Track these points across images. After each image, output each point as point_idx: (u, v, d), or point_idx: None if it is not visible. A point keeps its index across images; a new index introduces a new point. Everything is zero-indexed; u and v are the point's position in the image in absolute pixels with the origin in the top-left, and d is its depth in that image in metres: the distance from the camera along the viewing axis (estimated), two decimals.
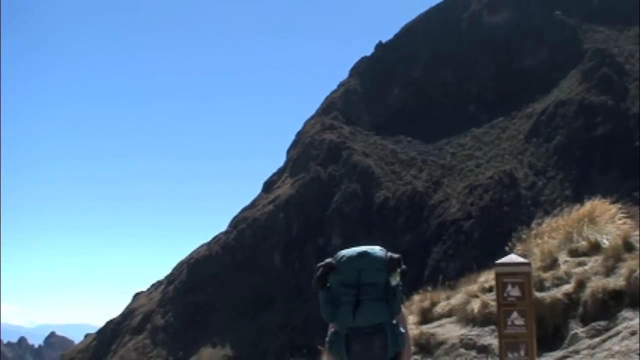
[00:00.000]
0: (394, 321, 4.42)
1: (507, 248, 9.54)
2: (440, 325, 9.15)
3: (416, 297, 10.25)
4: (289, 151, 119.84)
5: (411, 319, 7.22)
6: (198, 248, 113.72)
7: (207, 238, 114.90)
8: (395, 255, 4.55)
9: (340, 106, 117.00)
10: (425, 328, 9.06)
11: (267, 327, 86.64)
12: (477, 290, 9.50)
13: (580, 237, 9.17)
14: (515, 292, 5.83)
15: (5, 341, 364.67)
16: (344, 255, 4.53)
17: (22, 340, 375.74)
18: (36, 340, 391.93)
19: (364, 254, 4.50)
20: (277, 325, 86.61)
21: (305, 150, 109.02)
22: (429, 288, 10.43)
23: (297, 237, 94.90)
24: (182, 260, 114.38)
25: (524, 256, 6.97)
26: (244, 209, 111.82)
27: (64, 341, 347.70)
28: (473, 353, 8.23)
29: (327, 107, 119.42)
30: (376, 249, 4.54)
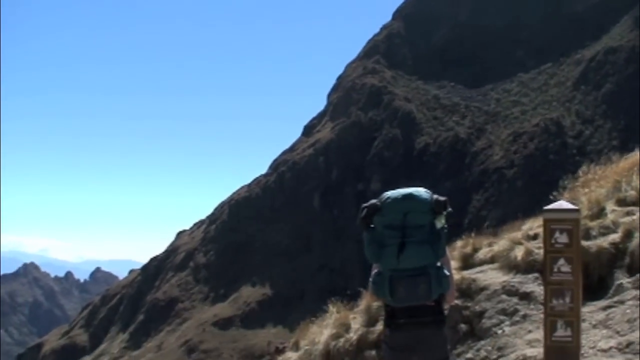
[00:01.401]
0: (439, 264, 4.35)
1: (552, 196, 9.34)
2: (481, 272, 9.06)
3: (458, 243, 10.15)
4: (329, 95, 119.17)
5: (452, 264, 7.12)
6: (239, 189, 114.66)
7: (248, 180, 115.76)
8: (442, 198, 4.48)
9: (382, 50, 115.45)
10: (466, 273, 8.98)
11: (306, 269, 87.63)
12: (521, 237, 9.36)
13: (629, 187, 8.94)
14: (563, 238, 5.70)
15: (52, 275, 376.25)
16: (389, 197, 4.46)
17: (68, 274, 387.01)
18: (82, 275, 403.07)
19: (410, 196, 4.43)
20: (315, 267, 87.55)
21: (346, 95, 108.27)
22: (472, 235, 10.32)
23: (337, 181, 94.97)
24: (223, 201, 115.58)
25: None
26: (284, 152, 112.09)
27: (109, 276, 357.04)
28: (515, 300, 8.15)
29: (369, 51, 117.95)
30: (421, 191, 4.46)
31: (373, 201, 4.46)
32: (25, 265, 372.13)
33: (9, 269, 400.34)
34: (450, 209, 4.41)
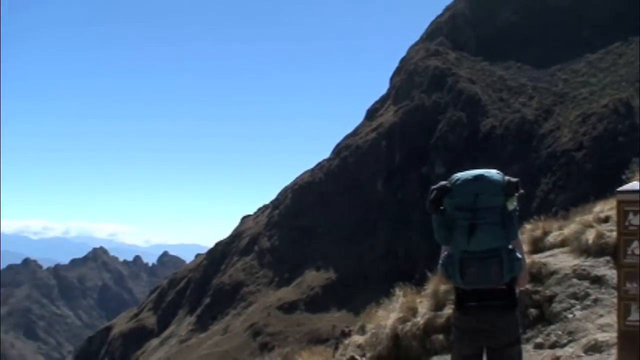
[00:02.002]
0: (510, 246, 4.31)
1: (624, 178, 9.14)
2: (552, 255, 8.94)
3: (527, 226, 10.04)
4: (392, 78, 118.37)
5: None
6: (302, 174, 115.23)
7: (311, 164, 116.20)
8: (514, 179, 4.43)
9: (446, 31, 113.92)
10: (536, 257, 8.88)
11: (369, 253, 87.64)
12: (592, 220, 9.20)
13: None
14: (636, 220, 5.59)
15: (121, 259, 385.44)
16: (459, 179, 4.44)
17: (137, 259, 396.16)
18: (150, 259, 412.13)
19: (481, 177, 4.39)
20: (379, 251, 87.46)
21: (409, 78, 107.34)
22: (542, 218, 10.20)
23: (400, 165, 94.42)
24: (287, 186, 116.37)
25: None
26: (347, 137, 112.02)
27: (176, 260, 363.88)
28: (586, 283, 8.03)
29: (432, 33, 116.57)
30: (493, 173, 4.42)
31: (443, 183, 4.43)
32: (94, 250, 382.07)
33: (78, 253, 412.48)
34: (522, 191, 4.36)
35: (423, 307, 9.07)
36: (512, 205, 4.35)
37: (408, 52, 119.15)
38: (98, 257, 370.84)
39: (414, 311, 9.12)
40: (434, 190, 4.42)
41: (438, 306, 8.79)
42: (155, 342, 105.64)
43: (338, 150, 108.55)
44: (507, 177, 4.41)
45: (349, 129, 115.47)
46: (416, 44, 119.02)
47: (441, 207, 4.40)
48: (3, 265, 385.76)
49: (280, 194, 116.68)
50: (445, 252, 4.42)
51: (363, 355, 9.60)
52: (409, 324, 8.93)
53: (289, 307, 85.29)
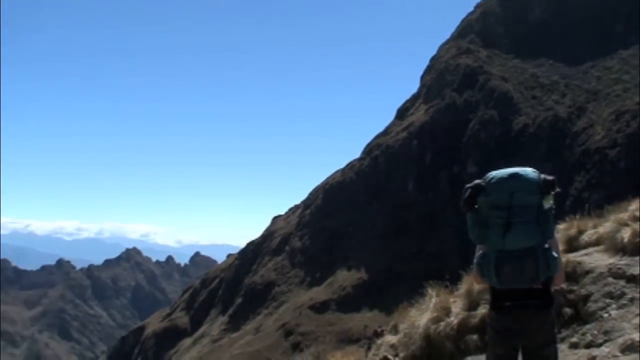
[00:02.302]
0: (546, 245, 4.28)
1: None
2: (587, 254, 8.86)
3: (561, 225, 9.95)
4: (422, 77, 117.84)
5: None
6: (333, 174, 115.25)
7: (342, 164, 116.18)
8: (549, 178, 4.40)
9: (477, 29, 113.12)
10: (571, 256, 8.80)
11: (401, 253, 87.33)
12: (627, 218, 9.10)
13: None
14: None
15: (154, 260, 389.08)
16: (494, 177, 4.41)
17: (169, 259, 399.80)
18: (182, 260, 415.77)
19: (516, 175, 4.37)
20: (410, 251, 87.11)
21: (439, 76, 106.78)
22: (576, 217, 10.11)
23: (431, 165, 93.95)
24: (318, 186, 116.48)
25: None
26: (378, 136, 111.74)
27: (208, 260, 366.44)
28: (622, 282, 7.94)
29: (463, 30, 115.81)
30: (528, 171, 4.39)
31: (477, 181, 4.41)
32: (127, 251, 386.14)
33: (112, 254, 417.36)
34: (558, 189, 4.33)
35: (456, 307, 9.04)
36: (548, 203, 4.31)
37: (439, 51, 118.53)
38: (131, 257, 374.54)
39: (447, 311, 9.09)
40: (469, 189, 4.40)
41: (472, 306, 8.76)
42: (188, 341, 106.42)
43: (369, 149, 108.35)
44: (542, 175, 4.38)
45: (380, 129, 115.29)
46: (447, 42, 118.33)
47: (476, 206, 4.37)
48: (37, 266, 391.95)
49: (311, 194, 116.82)
50: (480, 251, 4.39)
51: (396, 355, 9.59)
52: (443, 324, 8.90)
53: (320, 307, 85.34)
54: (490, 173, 4.45)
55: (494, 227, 4.28)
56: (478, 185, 4.41)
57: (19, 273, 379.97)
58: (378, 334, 10.98)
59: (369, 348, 11.08)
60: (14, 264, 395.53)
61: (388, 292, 78.53)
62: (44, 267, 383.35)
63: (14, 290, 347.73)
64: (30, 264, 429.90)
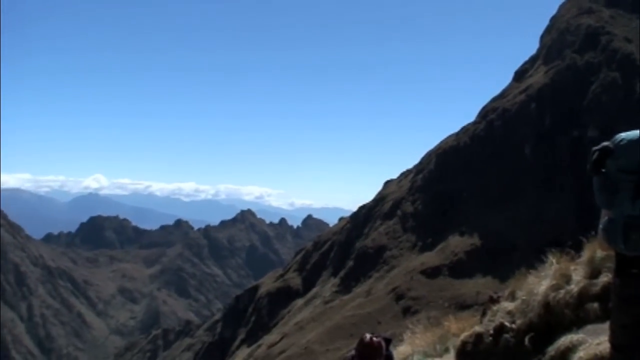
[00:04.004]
0: None
1: None
2: None
3: None
4: (542, 38, 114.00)
5: None
6: (446, 138, 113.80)
7: (455, 128, 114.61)
8: None
9: None
10: None
11: (516, 220, 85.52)
12: None
13: None
14: None
15: (267, 222, 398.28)
16: (623, 139, 4.23)
17: (282, 221, 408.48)
18: (295, 222, 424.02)
19: None
20: (525, 218, 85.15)
21: (560, 36, 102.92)
22: None
23: (550, 129, 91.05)
24: (431, 150, 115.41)
25: None
26: (494, 99, 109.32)
27: (320, 223, 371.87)
28: None
29: None
30: None
31: (605, 143, 4.26)
32: (242, 212, 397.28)
33: (227, 215, 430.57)
34: None
35: (577, 274, 8.82)
36: None
37: (559, 10, 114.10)
38: (246, 218, 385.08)
39: (567, 278, 8.90)
40: (596, 151, 4.25)
41: (594, 274, 8.53)
42: (300, 302, 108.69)
43: (484, 113, 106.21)
44: None
45: (496, 91, 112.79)
46: (568, 1, 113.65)
47: (603, 169, 4.23)
48: (156, 226, 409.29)
49: (423, 159, 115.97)
50: (607, 217, 4.25)
51: (512, 322, 9.51)
52: (562, 291, 8.73)
53: (432, 272, 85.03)
54: (620, 135, 4.28)
55: (623, 192, 4.12)
56: (606, 147, 4.25)
57: (139, 233, 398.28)
58: (494, 300, 10.89)
59: (484, 314, 11.02)
60: (134, 224, 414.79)
61: (502, 259, 77.28)
62: (163, 227, 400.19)
63: (134, 249, 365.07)
64: (150, 224, 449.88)
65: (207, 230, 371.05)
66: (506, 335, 9.51)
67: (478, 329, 10.57)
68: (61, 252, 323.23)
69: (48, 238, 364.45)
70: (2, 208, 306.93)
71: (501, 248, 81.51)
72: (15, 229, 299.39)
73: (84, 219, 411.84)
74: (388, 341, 7.65)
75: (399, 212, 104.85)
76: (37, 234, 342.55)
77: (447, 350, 11.74)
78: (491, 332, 9.93)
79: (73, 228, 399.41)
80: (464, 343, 10.72)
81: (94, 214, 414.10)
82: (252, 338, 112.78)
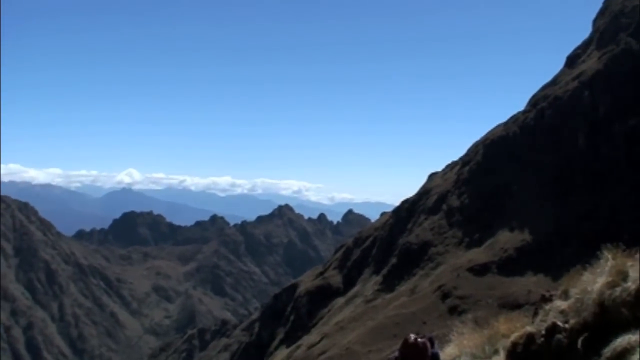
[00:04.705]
0: None
1: None
2: None
3: None
4: (595, 21, 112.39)
5: None
6: (494, 128, 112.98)
7: (504, 118, 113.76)
8: None
9: None
10: None
11: (569, 214, 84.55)
12: None
13: None
14: None
15: (306, 217, 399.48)
16: None
17: (322, 216, 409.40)
18: (335, 217, 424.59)
19: None
20: (579, 212, 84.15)
21: (614, 20, 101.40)
22: None
23: (604, 117, 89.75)
24: (477, 141, 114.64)
25: None
26: (545, 86, 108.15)
27: (361, 219, 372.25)
28: None
29: None
30: None
31: None
32: (280, 208, 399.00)
33: (264, 210, 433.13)
34: None
35: (635, 271, 8.74)
36: None
37: None
38: (284, 214, 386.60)
39: (624, 275, 8.82)
40: None
41: None
42: (340, 301, 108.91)
43: (534, 101, 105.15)
44: None
45: (547, 78, 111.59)
46: None
47: None
48: (191, 222, 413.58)
49: (470, 150, 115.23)
50: None
51: (566, 322, 9.46)
52: (619, 289, 8.66)
53: (480, 270, 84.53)
54: None
55: None
56: None
57: (174, 229, 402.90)
58: (546, 299, 10.83)
59: (535, 314, 10.98)
60: (168, 220, 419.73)
61: (554, 255, 76.60)
62: (198, 223, 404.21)
63: (168, 245, 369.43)
64: (185, 220, 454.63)
65: (243, 226, 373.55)
66: (559, 336, 9.47)
67: (529, 329, 10.53)
68: (93, 250, 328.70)
69: (80, 235, 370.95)
70: (32, 204, 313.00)
71: (553, 244, 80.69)
72: (46, 226, 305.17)
73: (117, 215, 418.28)
74: (432, 341, 7.69)
75: (444, 207, 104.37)
76: (68, 230, 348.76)
77: (496, 352, 11.71)
78: (543, 332, 9.90)
79: (105, 224, 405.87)
80: (515, 344, 10.70)
81: (127, 210, 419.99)
82: (291, 338, 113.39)
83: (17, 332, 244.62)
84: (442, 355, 9.33)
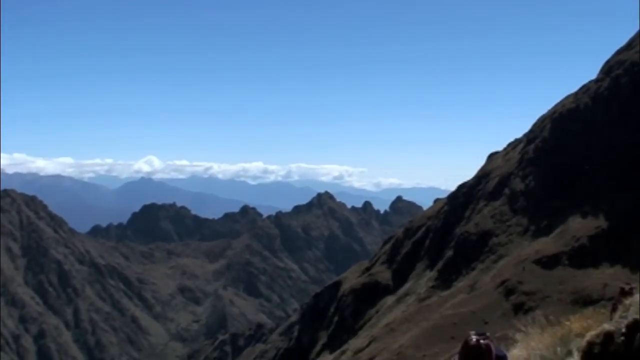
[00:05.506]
0: None
1: None
2: None
3: None
4: None
5: None
6: (563, 100, 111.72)
7: (574, 88, 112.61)
8: None
9: None
10: None
11: None
12: None
13: None
14: None
15: (349, 206, 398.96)
16: None
17: (367, 205, 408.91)
18: (382, 206, 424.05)
19: None
20: None
21: None
22: None
23: None
24: (544, 115, 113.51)
25: None
26: (619, 51, 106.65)
27: (411, 206, 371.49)
28: None
29: None
30: None
31: None
32: (319, 196, 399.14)
33: (302, 199, 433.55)
34: None
35: None
36: None
37: None
38: (323, 203, 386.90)
39: None
40: None
41: None
42: (390, 299, 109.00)
43: (608, 68, 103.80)
44: None
45: (622, 42, 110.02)
46: None
47: None
48: (219, 214, 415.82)
49: (535, 125, 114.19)
50: None
51: None
52: None
53: (548, 262, 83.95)
54: None
55: None
56: None
57: (200, 222, 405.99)
58: (626, 293, 10.87)
59: (614, 309, 11.02)
60: (194, 212, 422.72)
61: (633, 244, 75.77)
62: (227, 215, 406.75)
63: (194, 241, 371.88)
64: (212, 212, 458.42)
65: (278, 218, 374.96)
66: None
67: (607, 327, 10.56)
68: (111, 247, 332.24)
69: (95, 231, 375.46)
70: (41, 198, 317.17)
71: (632, 231, 79.85)
72: (57, 222, 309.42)
73: (136, 208, 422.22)
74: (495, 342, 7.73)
75: (506, 191, 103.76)
76: (82, 226, 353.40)
77: (569, 353, 11.77)
78: (623, 330, 9.93)
79: (124, 219, 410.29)
80: (591, 344, 10.74)
81: (147, 202, 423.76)
82: (335, 342, 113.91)
83: (27, 342, 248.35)
84: (509, 358, 9.39)
